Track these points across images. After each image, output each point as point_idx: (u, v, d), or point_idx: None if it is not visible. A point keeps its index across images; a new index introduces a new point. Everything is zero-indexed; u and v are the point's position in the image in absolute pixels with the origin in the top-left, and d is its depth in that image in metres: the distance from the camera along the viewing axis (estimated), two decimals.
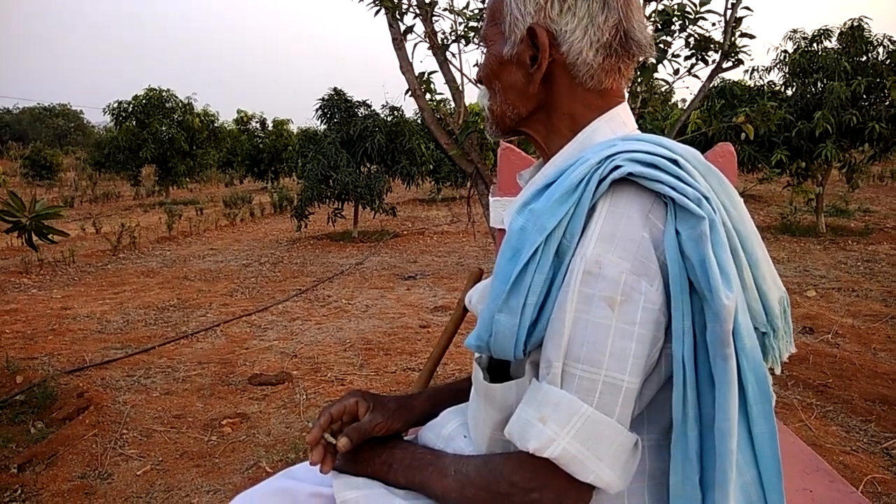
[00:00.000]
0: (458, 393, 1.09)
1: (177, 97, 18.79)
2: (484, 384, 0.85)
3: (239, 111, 24.02)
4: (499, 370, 0.89)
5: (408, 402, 1.06)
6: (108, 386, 3.69)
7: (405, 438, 1.03)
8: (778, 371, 0.81)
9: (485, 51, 0.92)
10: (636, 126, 0.90)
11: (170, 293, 6.32)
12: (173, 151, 17.95)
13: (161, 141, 17.66)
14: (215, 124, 20.09)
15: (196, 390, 3.63)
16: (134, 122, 18.09)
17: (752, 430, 0.74)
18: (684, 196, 0.72)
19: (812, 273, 6.53)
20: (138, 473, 2.67)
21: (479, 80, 0.95)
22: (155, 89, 18.42)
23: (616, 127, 0.86)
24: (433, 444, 0.97)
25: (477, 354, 0.89)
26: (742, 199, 0.83)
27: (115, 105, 18.14)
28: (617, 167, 0.74)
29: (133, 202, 18.48)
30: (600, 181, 0.74)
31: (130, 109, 18.17)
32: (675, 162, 0.76)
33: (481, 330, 0.79)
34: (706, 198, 0.74)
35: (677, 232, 0.72)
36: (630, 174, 0.73)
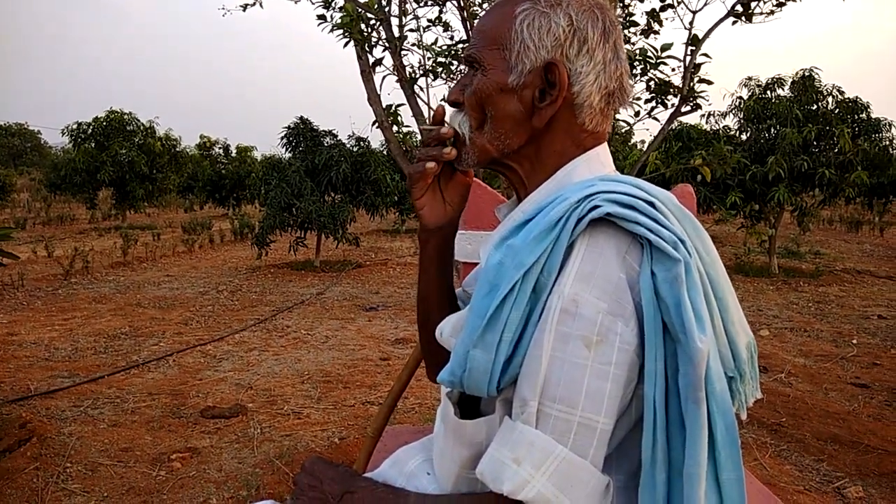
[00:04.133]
0: (445, 274, 1.04)
1: (139, 120, 18.47)
2: (454, 420, 0.84)
3: (202, 136, 23.76)
4: (467, 406, 0.88)
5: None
6: (52, 416, 3.53)
7: (365, 476, 1.00)
8: (744, 416, 0.82)
9: (478, 74, 0.88)
10: (614, 167, 0.91)
11: (122, 320, 6.13)
12: (132, 175, 17.56)
13: (120, 164, 17.27)
14: (177, 149, 19.80)
15: (145, 423, 3.50)
16: (93, 144, 17.67)
17: (720, 476, 0.73)
18: (660, 238, 0.73)
19: (765, 313, 6.69)
20: None
21: (454, 102, 0.91)
22: (116, 111, 18.09)
23: (595, 167, 0.87)
24: (394, 481, 0.95)
25: (447, 389, 0.87)
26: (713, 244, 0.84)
27: (74, 126, 17.75)
28: (595, 207, 0.74)
29: (88, 226, 17.98)
30: (579, 220, 0.74)
31: (90, 131, 17.75)
32: (651, 204, 0.77)
33: (455, 365, 0.77)
34: (682, 241, 0.75)
35: (653, 273, 0.73)
36: (608, 214, 0.74)
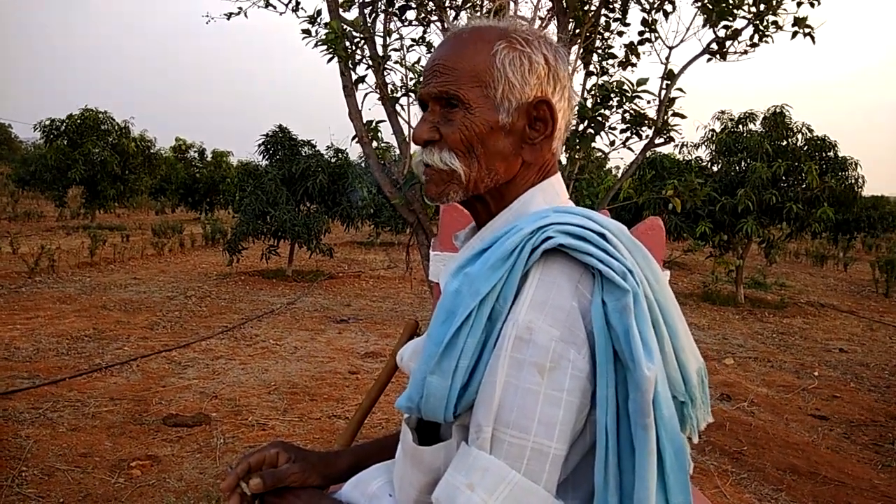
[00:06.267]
0: (384, 450, 1.09)
1: (113, 119, 18.23)
2: (412, 446, 0.85)
3: (177, 139, 23.49)
4: (427, 431, 0.89)
5: (330, 458, 1.05)
6: (10, 418, 3.45)
7: (328, 496, 1.01)
8: (696, 440, 0.84)
9: (458, 111, 0.86)
10: (567, 196, 0.95)
11: (86, 322, 6.02)
12: (104, 174, 17.26)
13: (92, 163, 16.98)
14: (151, 150, 19.53)
15: (106, 428, 3.44)
16: (65, 142, 17.37)
17: (669, 500, 0.75)
18: (610, 269, 0.76)
19: (730, 341, 6.80)
20: None
21: (426, 142, 0.89)
22: (91, 110, 17.82)
23: (549, 197, 0.91)
24: (357, 501, 0.96)
25: (406, 415, 0.89)
26: (665, 273, 0.88)
27: (48, 122, 17.44)
28: (549, 238, 0.77)
29: (56, 223, 17.63)
30: (533, 250, 0.77)
31: (63, 128, 17.46)
32: (602, 236, 0.80)
33: (412, 391, 0.79)
34: (630, 271, 0.77)
35: (604, 302, 0.75)
36: (561, 245, 0.77)
